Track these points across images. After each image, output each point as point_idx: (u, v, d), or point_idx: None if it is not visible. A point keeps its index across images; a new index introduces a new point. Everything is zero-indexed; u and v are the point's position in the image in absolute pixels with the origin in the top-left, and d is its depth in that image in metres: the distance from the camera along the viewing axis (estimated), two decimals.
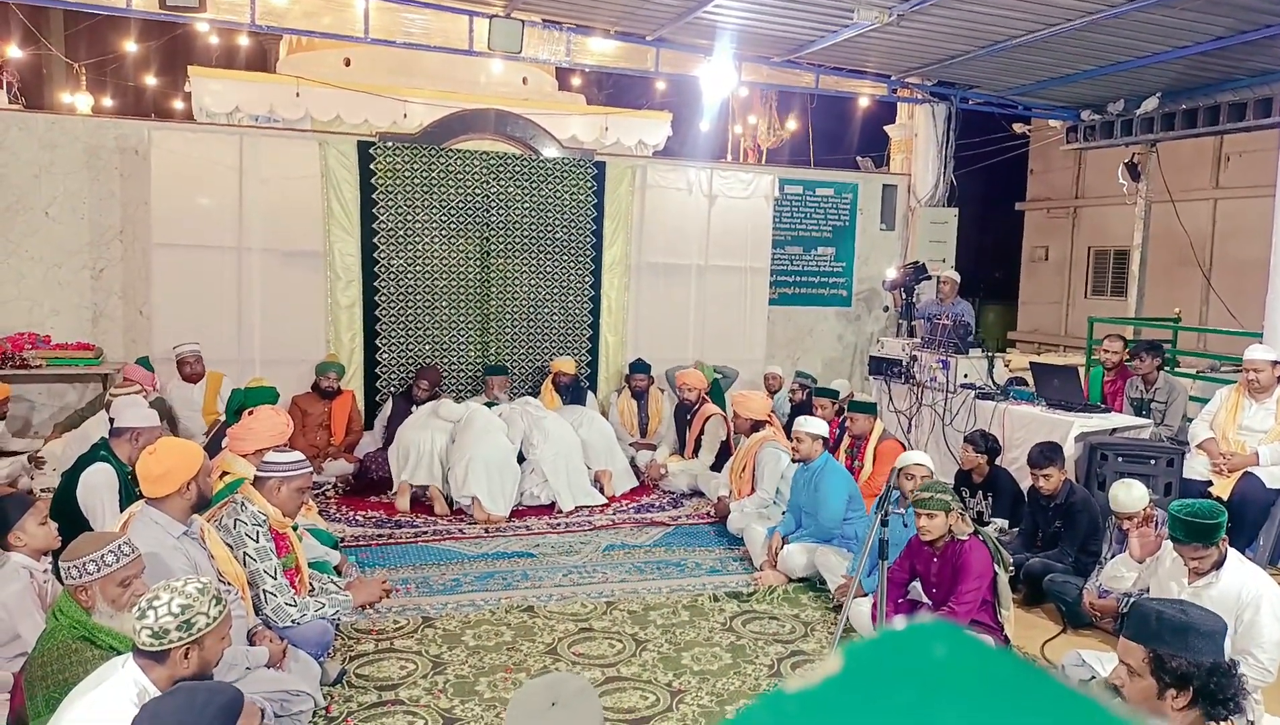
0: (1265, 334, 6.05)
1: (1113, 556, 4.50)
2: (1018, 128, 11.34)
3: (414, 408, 7.08)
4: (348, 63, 9.71)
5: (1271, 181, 6.09)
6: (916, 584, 4.29)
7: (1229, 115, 8.36)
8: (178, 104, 15.56)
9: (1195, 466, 5.55)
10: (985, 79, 9.16)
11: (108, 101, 15.99)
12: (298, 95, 8.90)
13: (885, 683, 0.47)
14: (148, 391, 6.02)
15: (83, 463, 4.24)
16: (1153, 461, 5.50)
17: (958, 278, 8.85)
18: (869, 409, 6.37)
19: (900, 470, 4.60)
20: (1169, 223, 10.82)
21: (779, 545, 5.21)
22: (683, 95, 11.18)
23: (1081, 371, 7.35)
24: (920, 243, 9.71)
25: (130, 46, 14.48)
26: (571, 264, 8.24)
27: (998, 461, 5.73)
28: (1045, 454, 5.00)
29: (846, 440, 6.34)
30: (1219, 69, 7.98)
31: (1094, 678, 3.48)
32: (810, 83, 9.31)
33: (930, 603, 4.16)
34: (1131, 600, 4.09)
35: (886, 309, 9.80)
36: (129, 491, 4.13)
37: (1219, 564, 3.40)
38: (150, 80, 16.24)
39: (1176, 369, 8.45)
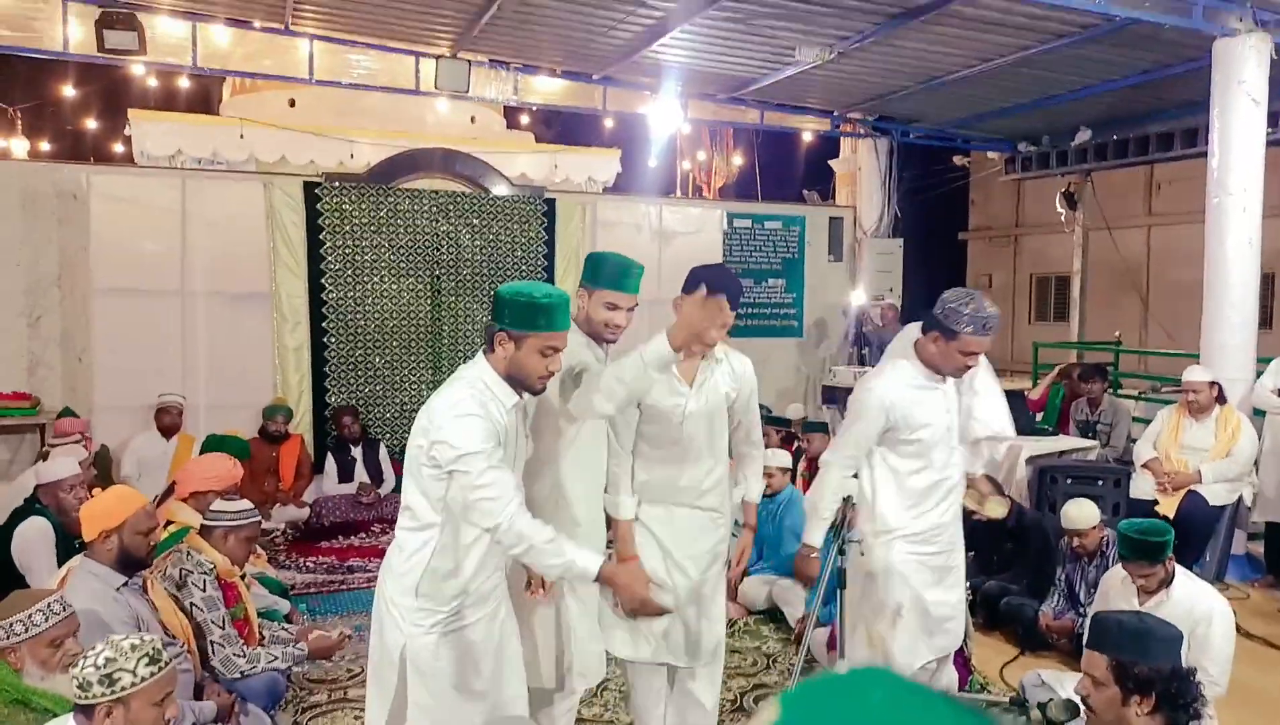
0: (1202, 355, 6.22)
1: (1065, 578, 4.56)
2: (958, 160, 11.63)
3: (353, 448, 7.08)
4: (292, 103, 9.62)
5: (1201, 208, 6.31)
6: None
7: (1157, 145, 8.68)
8: (118, 147, 15.29)
9: (1142, 486, 5.66)
10: (925, 113, 9.39)
11: (45, 145, 15.68)
12: (241, 137, 8.78)
13: None
14: (87, 442, 5.84)
15: (16, 517, 4.09)
16: (1100, 482, 5.60)
17: (897, 305, 9.17)
18: (821, 428, 6.50)
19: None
20: (1106, 249, 11.15)
21: (739, 578, 5.19)
22: (631, 132, 11.27)
23: (1031, 393, 7.51)
24: (868, 273, 9.88)
25: (68, 90, 14.23)
26: None
27: None
28: None
29: (802, 463, 6.36)
30: (1146, 102, 8.28)
31: (1051, 700, 3.50)
32: (755, 119, 9.46)
33: None
34: (1086, 619, 4.14)
35: (846, 335, 10.01)
36: (66, 544, 3.99)
37: (1167, 582, 3.47)
38: (89, 123, 15.96)
39: (1120, 391, 8.65)
